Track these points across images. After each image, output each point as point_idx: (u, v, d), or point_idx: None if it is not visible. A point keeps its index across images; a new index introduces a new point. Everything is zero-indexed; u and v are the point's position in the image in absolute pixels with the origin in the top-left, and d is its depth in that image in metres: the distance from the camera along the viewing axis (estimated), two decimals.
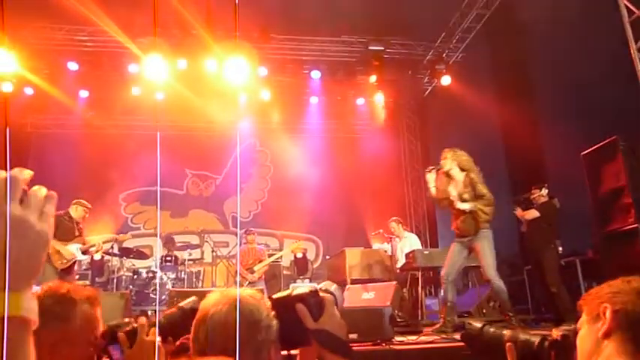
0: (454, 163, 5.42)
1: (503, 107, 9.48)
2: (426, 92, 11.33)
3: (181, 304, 1.76)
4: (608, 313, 1.25)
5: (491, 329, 1.44)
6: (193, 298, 1.74)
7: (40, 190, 0.73)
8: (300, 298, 1.27)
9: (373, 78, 10.03)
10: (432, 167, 5.59)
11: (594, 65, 7.43)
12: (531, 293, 7.98)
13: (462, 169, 5.38)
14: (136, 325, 1.55)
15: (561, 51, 8.35)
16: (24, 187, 0.72)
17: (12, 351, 0.64)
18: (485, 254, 5.11)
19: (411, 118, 11.83)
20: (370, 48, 9.73)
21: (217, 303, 1.29)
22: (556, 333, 1.33)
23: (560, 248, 6.72)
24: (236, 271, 8.23)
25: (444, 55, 10.02)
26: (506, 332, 1.40)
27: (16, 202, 0.68)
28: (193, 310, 1.51)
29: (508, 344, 1.35)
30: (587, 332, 1.29)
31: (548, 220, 6.38)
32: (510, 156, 9.82)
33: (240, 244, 9.57)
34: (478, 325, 1.49)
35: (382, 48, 9.76)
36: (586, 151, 6.51)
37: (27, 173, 0.72)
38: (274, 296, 1.34)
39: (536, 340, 1.32)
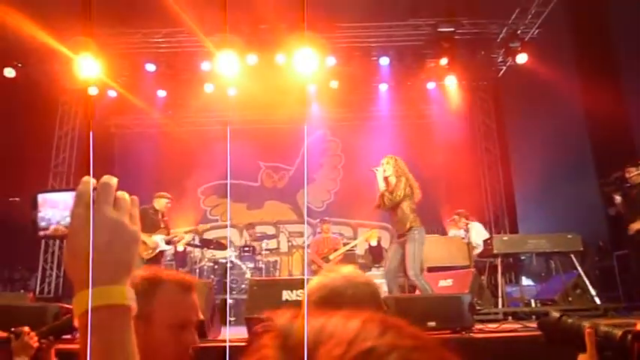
0: (392, 169, 5.68)
1: (586, 84, 8.92)
2: (501, 72, 10.87)
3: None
4: None
5: (570, 320, 1.39)
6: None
7: (125, 195, 0.80)
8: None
9: (444, 61, 9.75)
10: (377, 167, 5.78)
11: None
12: (621, 279, 7.51)
13: (398, 175, 5.63)
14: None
15: None
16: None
17: (119, 336, 0.72)
18: (410, 254, 5.36)
19: (486, 100, 11.40)
20: (439, 30, 9.46)
21: (345, 286, 1.29)
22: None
23: None
24: (312, 260, 8.34)
25: (518, 31, 9.54)
26: (587, 323, 1.34)
27: (110, 205, 0.77)
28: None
29: (588, 330, 1.29)
30: None
31: None
32: (595, 135, 9.22)
33: (315, 234, 9.69)
34: (556, 315, 1.43)
35: (452, 29, 9.46)
36: None
37: (115, 179, 0.79)
38: None
39: (619, 332, 1.25)
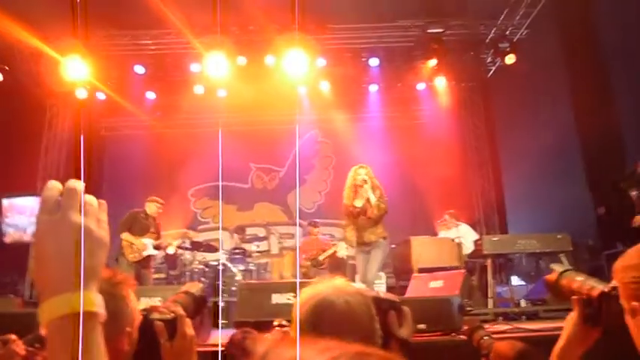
0: (372, 180, 5.67)
1: (575, 84, 8.98)
2: (490, 73, 10.92)
3: (189, 289, 1.59)
4: None
5: (564, 280, 1.45)
6: (200, 285, 1.63)
7: (93, 199, 0.79)
8: (392, 304, 1.31)
9: (433, 62, 9.78)
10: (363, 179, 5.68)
11: None
12: (611, 278, 7.55)
13: (373, 185, 5.63)
14: (172, 314, 1.37)
15: (637, 22, 7.78)
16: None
17: (88, 342, 0.71)
18: (378, 261, 5.56)
19: (475, 101, 11.45)
20: (428, 31, 9.49)
21: (337, 294, 1.27)
22: (607, 286, 1.32)
23: None
24: (303, 262, 8.32)
25: (507, 32, 9.59)
26: (579, 279, 1.41)
27: (76, 211, 0.75)
28: (202, 298, 1.48)
29: (573, 298, 1.37)
30: (629, 322, 1.24)
31: None
32: (584, 135, 9.28)
33: (304, 236, 9.68)
34: (554, 276, 1.49)
35: (441, 30, 9.49)
36: None
37: (81, 184, 0.77)
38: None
39: (596, 292, 1.33)
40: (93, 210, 0.77)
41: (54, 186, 0.76)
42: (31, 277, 9.86)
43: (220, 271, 7.91)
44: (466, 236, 7.68)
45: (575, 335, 1.36)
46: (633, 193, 6.36)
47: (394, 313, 1.30)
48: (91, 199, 0.78)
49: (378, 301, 1.31)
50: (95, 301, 0.73)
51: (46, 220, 0.74)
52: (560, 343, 1.38)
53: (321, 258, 7.96)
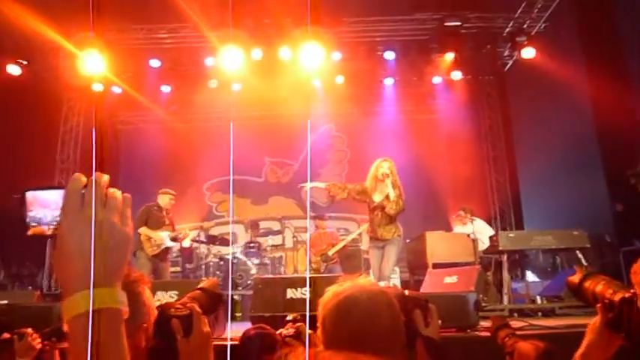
0: (395, 176, 5.54)
1: (593, 77, 8.82)
2: (507, 67, 10.79)
3: (206, 286, 1.58)
4: None
5: (587, 284, 1.43)
6: (216, 281, 1.63)
7: (117, 193, 0.77)
8: (418, 302, 1.31)
9: (450, 55, 9.70)
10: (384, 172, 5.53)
11: None
12: (628, 275, 7.45)
13: (394, 181, 5.50)
14: (188, 311, 1.37)
15: None
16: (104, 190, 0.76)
17: (110, 338, 0.70)
18: (391, 257, 5.48)
19: (492, 95, 11.33)
20: (445, 24, 9.39)
21: (360, 293, 1.27)
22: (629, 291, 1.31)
23: None
24: (313, 257, 8.31)
25: (525, 25, 9.48)
26: (602, 283, 1.39)
27: (100, 206, 0.73)
28: (218, 295, 1.45)
29: (598, 306, 1.35)
30: None
31: None
32: (602, 129, 9.11)
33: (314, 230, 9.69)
34: (577, 279, 1.48)
35: (459, 23, 9.39)
36: None
37: (106, 177, 0.76)
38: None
39: (617, 298, 1.31)
40: (116, 204, 0.76)
41: (78, 178, 0.75)
42: (52, 271, 10.04)
43: (231, 265, 7.95)
44: (482, 232, 7.62)
45: (597, 341, 1.34)
46: None
47: (419, 312, 1.30)
48: (114, 193, 0.76)
49: (403, 299, 1.31)
50: (119, 298, 0.72)
51: (70, 215, 0.73)
52: (581, 349, 1.36)
53: (330, 253, 7.95)
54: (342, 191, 5.76)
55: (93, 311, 0.68)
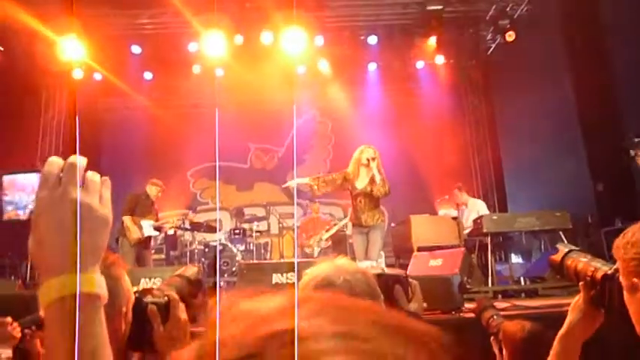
0: (376, 157, 5.56)
1: (575, 61, 8.90)
2: (490, 50, 10.82)
3: (184, 273, 1.57)
4: None
5: (569, 261, 1.44)
6: (195, 268, 1.61)
7: (96, 176, 0.76)
8: (397, 279, 1.30)
9: (433, 39, 9.68)
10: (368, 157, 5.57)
11: None
12: (609, 255, 7.58)
13: (379, 165, 5.54)
14: (165, 298, 1.36)
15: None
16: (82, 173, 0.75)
17: (89, 324, 0.68)
18: (376, 242, 5.56)
19: (475, 79, 11.37)
20: (428, 8, 9.36)
21: (337, 273, 1.26)
22: (611, 268, 1.32)
23: None
24: (305, 242, 8.34)
25: (507, 9, 9.47)
26: (583, 260, 1.40)
27: (77, 187, 0.72)
28: (198, 281, 1.45)
29: (581, 283, 1.36)
30: (628, 300, 1.23)
31: None
32: (583, 112, 9.22)
33: (305, 214, 9.69)
34: (559, 257, 1.49)
35: (441, 7, 9.36)
36: None
37: (83, 160, 0.74)
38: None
39: (599, 274, 1.32)
40: (95, 187, 0.74)
41: (55, 161, 0.73)
42: (30, 257, 9.91)
43: (219, 252, 7.95)
44: (480, 210, 7.66)
45: (579, 319, 1.35)
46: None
47: (400, 288, 1.29)
48: (93, 175, 0.75)
49: (383, 277, 1.30)
50: (97, 283, 0.71)
51: (46, 197, 0.71)
52: (564, 328, 1.38)
53: (324, 237, 8.00)
54: (327, 185, 5.82)
55: (70, 296, 0.67)
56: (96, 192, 0.74)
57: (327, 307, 0.40)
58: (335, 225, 8.39)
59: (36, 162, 10.30)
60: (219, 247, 8.17)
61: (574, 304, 1.38)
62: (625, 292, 1.23)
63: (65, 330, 0.66)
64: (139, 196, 7.09)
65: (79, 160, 0.73)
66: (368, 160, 5.49)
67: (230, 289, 7.13)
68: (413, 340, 0.39)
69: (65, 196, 0.70)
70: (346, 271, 1.27)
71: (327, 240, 8.12)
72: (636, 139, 6.15)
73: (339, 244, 8.58)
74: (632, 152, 6.22)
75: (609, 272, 1.30)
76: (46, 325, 0.68)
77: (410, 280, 1.35)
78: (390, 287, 1.29)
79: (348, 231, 8.51)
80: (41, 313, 0.69)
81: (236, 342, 0.37)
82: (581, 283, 1.36)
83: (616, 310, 1.27)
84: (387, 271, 1.34)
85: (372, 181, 5.52)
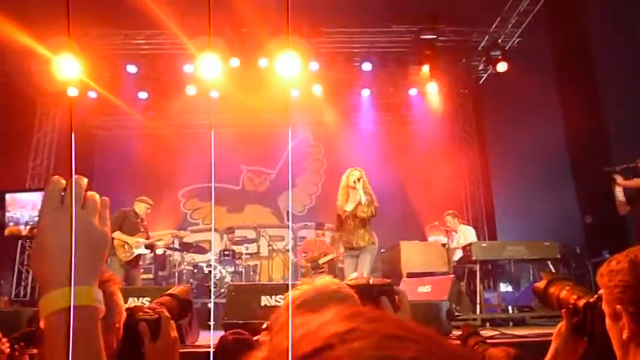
0: (365, 184, 5.65)
1: (565, 93, 9.07)
2: (482, 80, 11.01)
3: (174, 292, 1.59)
4: (624, 317, 1.18)
5: (552, 290, 1.47)
6: (186, 288, 1.64)
7: (95, 196, 0.80)
8: (382, 289, 1.30)
9: (426, 68, 9.84)
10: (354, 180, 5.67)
11: None
12: (596, 286, 7.62)
13: (365, 187, 5.63)
14: (156, 315, 1.37)
15: (627, 32, 7.87)
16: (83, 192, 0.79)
17: (88, 336, 0.72)
18: (365, 264, 5.57)
19: (466, 108, 11.53)
20: (422, 37, 9.53)
21: (315, 296, 1.24)
22: (593, 296, 1.34)
23: None
24: (302, 262, 8.28)
25: (499, 40, 9.67)
26: (566, 288, 1.42)
27: (79, 206, 0.76)
28: (188, 301, 1.47)
29: (563, 311, 1.38)
30: (610, 327, 1.24)
31: None
32: (573, 143, 9.36)
33: (296, 238, 9.66)
34: (542, 285, 1.52)
35: (434, 36, 9.54)
36: None
37: (84, 179, 0.78)
38: (350, 282, 1.34)
39: (581, 303, 1.35)
40: (95, 206, 0.79)
41: (58, 180, 0.77)
42: (31, 270, 9.79)
43: (213, 274, 7.90)
44: (469, 237, 7.70)
45: (562, 347, 1.37)
46: (618, 180, 6.18)
47: (386, 299, 1.29)
48: (93, 195, 0.79)
49: (368, 287, 1.30)
50: (96, 297, 0.75)
51: (50, 214, 0.75)
52: (548, 355, 1.39)
53: (321, 262, 7.97)
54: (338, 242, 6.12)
55: (68, 309, 0.70)
56: (96, 211, 0.79)
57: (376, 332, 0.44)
58: (332, 253, 8.33)
59: (27, 179, 10.26)
60: (208, 269, 8.11)
61: (557, 332, 1.40)
62: (607, 320, 1.25)
63: (65, 340, 0.68)
64: (127, 212, 7.00)
65: (81, 180, 0.78)
66: (355, 182, 5.56)
67: (219, 311, 7.08)
68: None
69: (67, 213, 0.74)
70: (324, 293, 1.25)
71: (323, 265, 8.07)
72: (617, 168, 6.22)
73: (334, 270, 8.52)
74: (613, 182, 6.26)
75: (591, 300, 1.32)
76: (45, 336, 0.71)
77: (397, 288, 1.35)
78: (375, 298, 1.30)
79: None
80: (41, 324, 0.72)
81: (309, 339, 0.42)
82: (563, 311, 1.38)
83: (598, 337, 1.29)
84: (372, 281, 1.33)
85: (359, 203, 5.57)
